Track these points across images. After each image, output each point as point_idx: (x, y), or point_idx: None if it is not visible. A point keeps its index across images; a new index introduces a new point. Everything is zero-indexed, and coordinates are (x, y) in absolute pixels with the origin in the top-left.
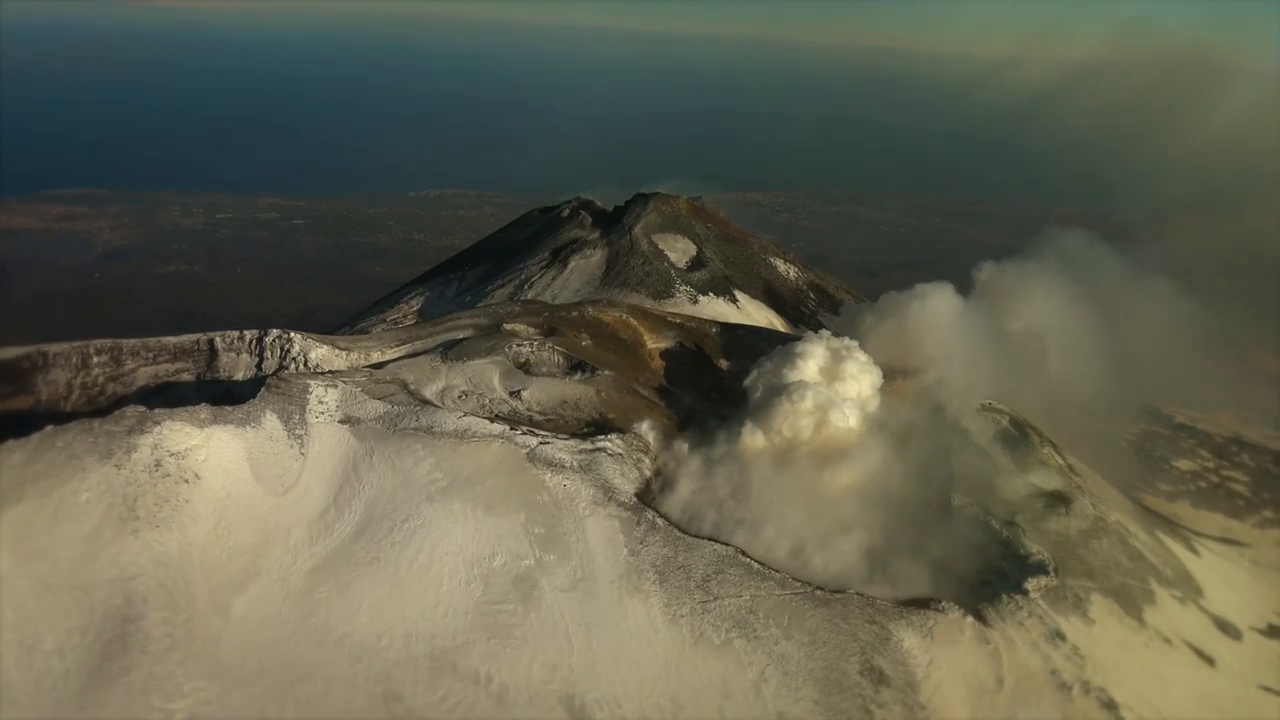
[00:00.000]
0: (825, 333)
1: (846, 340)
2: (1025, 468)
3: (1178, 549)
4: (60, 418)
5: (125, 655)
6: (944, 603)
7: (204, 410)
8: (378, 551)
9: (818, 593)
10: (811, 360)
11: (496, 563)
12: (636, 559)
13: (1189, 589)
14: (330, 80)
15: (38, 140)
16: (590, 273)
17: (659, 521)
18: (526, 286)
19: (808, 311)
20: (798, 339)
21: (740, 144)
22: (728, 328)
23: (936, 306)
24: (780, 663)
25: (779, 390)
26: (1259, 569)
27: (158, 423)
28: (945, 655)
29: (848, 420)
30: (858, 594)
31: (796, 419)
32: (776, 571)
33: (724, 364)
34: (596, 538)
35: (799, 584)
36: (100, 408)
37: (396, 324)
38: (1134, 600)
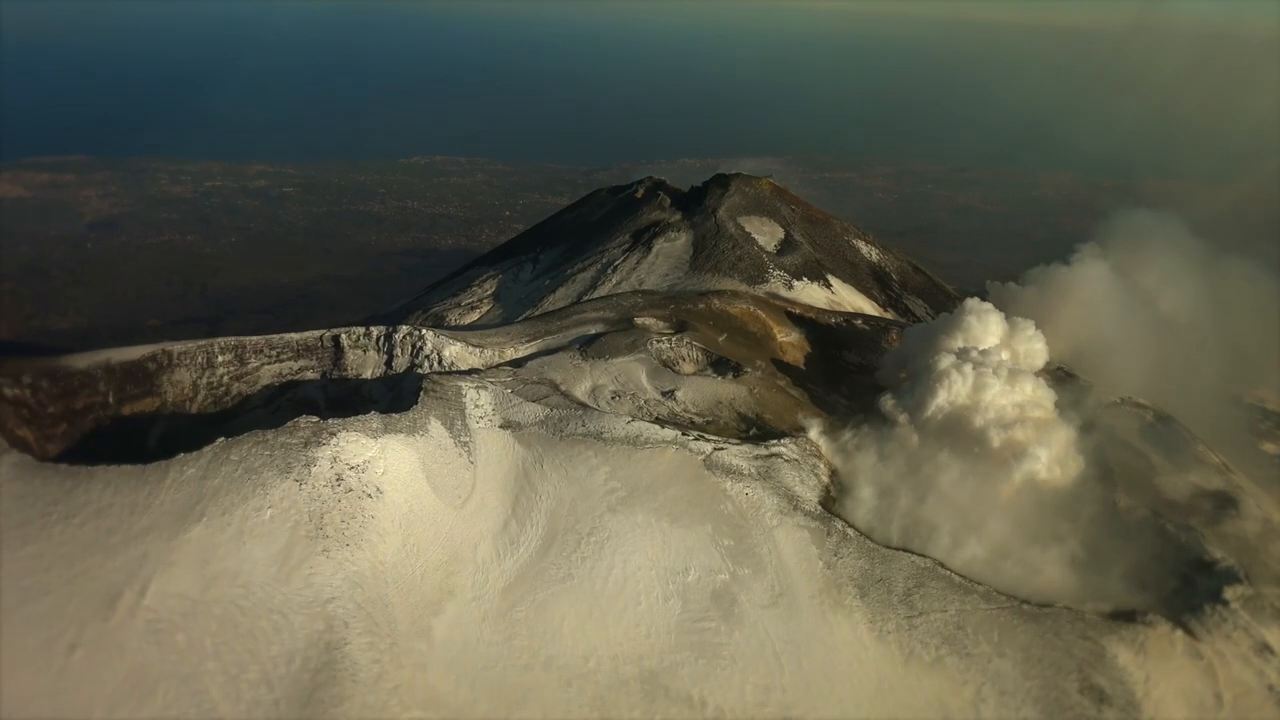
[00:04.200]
0: (986, 304)
1: (1011, 316)
2: (1182, 466)
3: None
4: (188, 419)
5: (336, 684)
6: (1150, 615)
7: (374, 419)
8: (569, 568)
9: (1025, 607)
10: (988, 332)
11: (691, 577)
12: (833, 572)
13: None
14: (315, 45)
15: (17, 107)
16: (677, 256)
17: (850, 532)
18: (610, 270)
19: (894, 294)
20: (922, 323)
21: (721, 111)
22: (847, 317)
23: (1097, 287)
24: (996, 681)
25: (958, 359)
26: None
27: (333, 434)
28: (1160, 671)
29: (1049, 402)
30: (1066, 608)
31: (984, 390)
32: (979, 584)
33: (849, 355)
34: (788, 550)
35: (1004, 598)
36: (226, 408)
37: (472, 307)
38: None
